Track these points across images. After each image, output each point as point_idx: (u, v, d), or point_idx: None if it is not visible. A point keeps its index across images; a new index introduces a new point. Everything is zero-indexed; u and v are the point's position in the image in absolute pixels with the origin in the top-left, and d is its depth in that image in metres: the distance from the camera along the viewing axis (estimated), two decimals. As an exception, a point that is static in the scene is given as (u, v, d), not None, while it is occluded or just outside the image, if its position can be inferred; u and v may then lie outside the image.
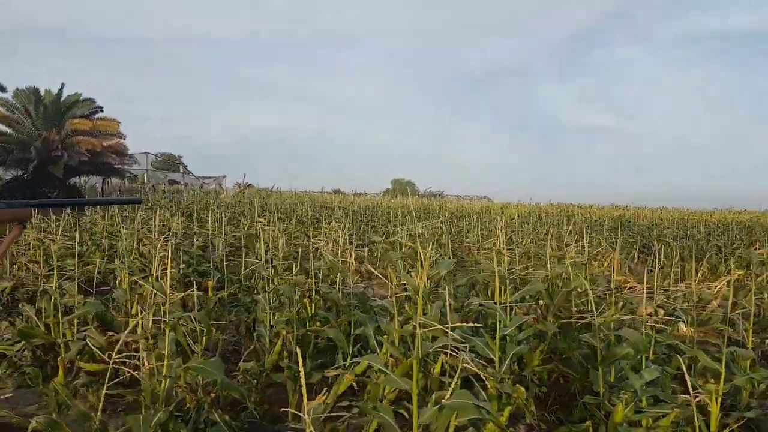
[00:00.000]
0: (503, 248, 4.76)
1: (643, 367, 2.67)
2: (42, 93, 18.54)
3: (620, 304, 5.02)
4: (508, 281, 3.48)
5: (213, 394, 3.27)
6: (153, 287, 2.82)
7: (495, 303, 3.33)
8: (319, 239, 8.82)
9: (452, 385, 1.88)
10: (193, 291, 3.14)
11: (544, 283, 3.58)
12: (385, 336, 3.51)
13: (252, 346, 4.07)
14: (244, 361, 3.68)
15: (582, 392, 3.22)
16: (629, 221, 17.02)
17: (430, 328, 2.22)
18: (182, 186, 32.72)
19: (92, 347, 3.02)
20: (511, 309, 3.29)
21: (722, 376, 2.77)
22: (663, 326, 3.15)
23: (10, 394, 3.81)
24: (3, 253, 1.41)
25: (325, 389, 3.60)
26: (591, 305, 3.18)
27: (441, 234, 9.29)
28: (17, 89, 18.35)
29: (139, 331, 3.44)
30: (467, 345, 2.58)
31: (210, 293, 4.96)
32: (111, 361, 2.23)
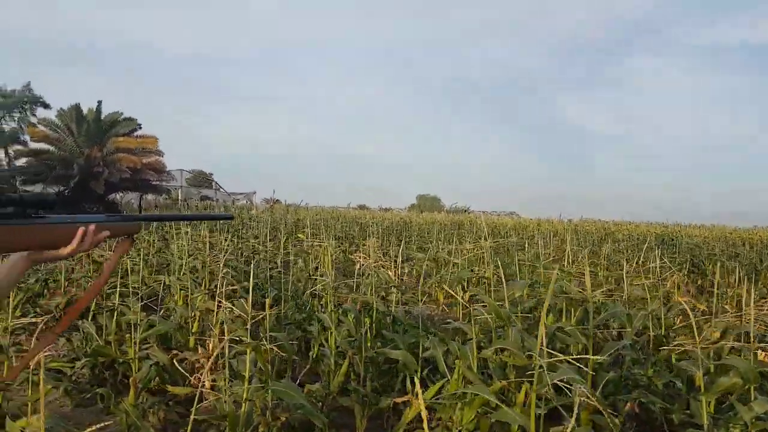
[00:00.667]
0: (583, 269, 4.59)
1: (752, 398, 2.47)
2: (84, 111, 19.02)
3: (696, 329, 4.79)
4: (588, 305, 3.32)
5: (283, 418, 3.17)
6: (234, 306, 2.73)
7: (574, 327, 3.17)
8: (359, 255, 8.74)
9: (572, 421, 1.73)
10: (267, 311, 3.04)
11: (624, 307, 3.41)
12: (457, 360, 3.37)
13: (308, 366, 3.96)
14: (303, 382, 3.58)
15: (668, 423, 3.03)
16: (672, 239, 16.55)
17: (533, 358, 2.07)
18: (215, 202, 33.15)
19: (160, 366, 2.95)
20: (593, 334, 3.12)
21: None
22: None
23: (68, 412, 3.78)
24: (113, 267, 1.32)
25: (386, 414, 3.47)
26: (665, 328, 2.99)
27: (482, 251, 9.11)
28: (61, 109, 18.88)
29: (211, 350, 3.37)
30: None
31: (267, 310, 4.89)
32: (200, 385, 2.14)
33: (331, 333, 3.55)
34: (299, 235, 11.42)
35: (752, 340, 2.65)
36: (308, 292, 4.23)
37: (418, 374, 3.47)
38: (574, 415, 1.82)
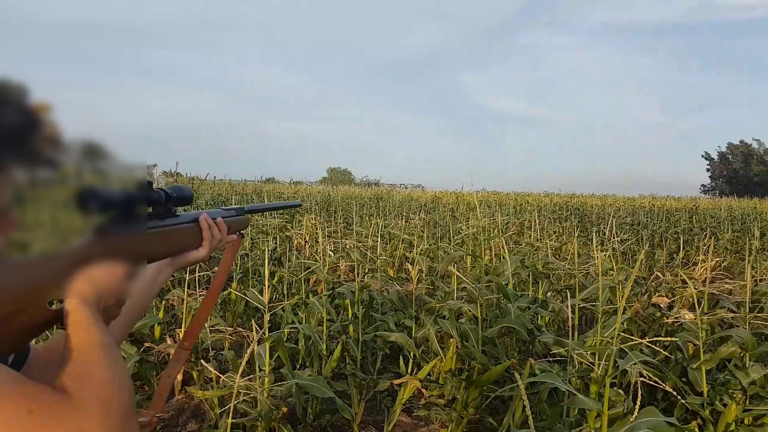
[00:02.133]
0: (545, 242, 4.74)
1: (747, 365, 2.69)
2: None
3: (646, 294, 5.14)
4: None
5: (285, 408, 3.03)
6: (246, 296, 2.54)
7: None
8: (296, 233, 8.51)
9: (638, 402, 1.79)
10: (288, 302, 2.86)
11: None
12: (451, 339, 3.38)
13: (300, 353, 3.82)
14: (300, 369, 3.45)
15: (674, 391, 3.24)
16: (577, 209, 17.67)
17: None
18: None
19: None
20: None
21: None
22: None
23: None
24: (229, 267, 1.17)
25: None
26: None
27: (423, 226, 9.20)
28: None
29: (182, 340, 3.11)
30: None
31: (233, 296, 4.64)
32: (236, 385, 1.97)
33: (323, 318, 3.43)
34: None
35: (747, 309, 2.88)
36: (302, 276, 4.04)
37: (412, 355, 3.46)
38: (639, 395, 1.88)
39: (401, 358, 3.52)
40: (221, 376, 2.11)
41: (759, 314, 3.25)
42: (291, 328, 3.46)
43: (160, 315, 3.95)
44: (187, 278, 3.88)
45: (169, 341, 3.80)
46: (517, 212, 14.40)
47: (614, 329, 2.78)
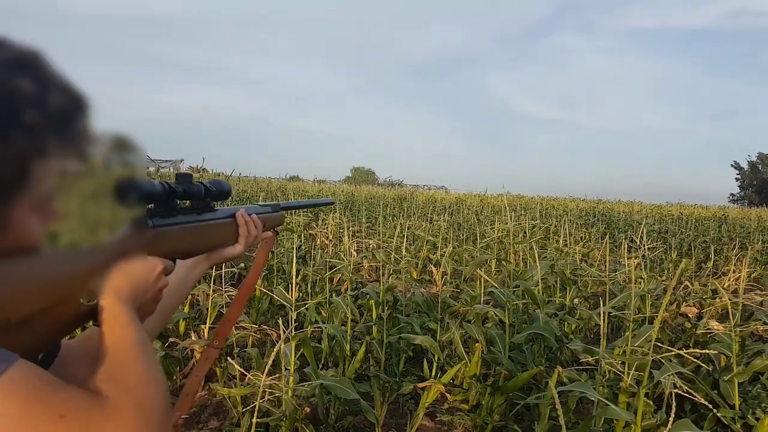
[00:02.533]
0: (575, 248, 4.66)
1: (784, 380, 2.59)
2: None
3: (674, 303, 5.02)
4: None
5: (308, 409, 3.02)
6: (273, 293, 2.53)
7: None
8: (319, 233, 8.52)
9: (672, 414, 1.73)
10: (312, 301, 2.85)
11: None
12: (477, 344, 3.34)
13: (323, 353, 3.82)
14: (322, 369, 3.44)
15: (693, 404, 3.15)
16: (604, 215, 17.39)
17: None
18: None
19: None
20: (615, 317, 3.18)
21: None
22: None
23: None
24: (262, 265, 1.15)
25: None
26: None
27: (445, 229, 9.15)
28: None
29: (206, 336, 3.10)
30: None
31: (258, 293, 4.66)
32: (262, 383, 1.96)
33: (347, 318, 3.41)
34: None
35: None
36: (326, 275, 4.04)
37: (436, 359, 3.43)
38: (673, 406, 1.82)
39: (425, 361, 3.49)
40: (246, 373, 2.10)
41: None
42: (315, 327, 3.45)
43: (186, 310, 3.98)
44: (213, 274, 3.89)
45: (193, 337, 3.83)
46: (542, 216, 14.24)
47: (649, 339, 2.71)
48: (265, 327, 3.20)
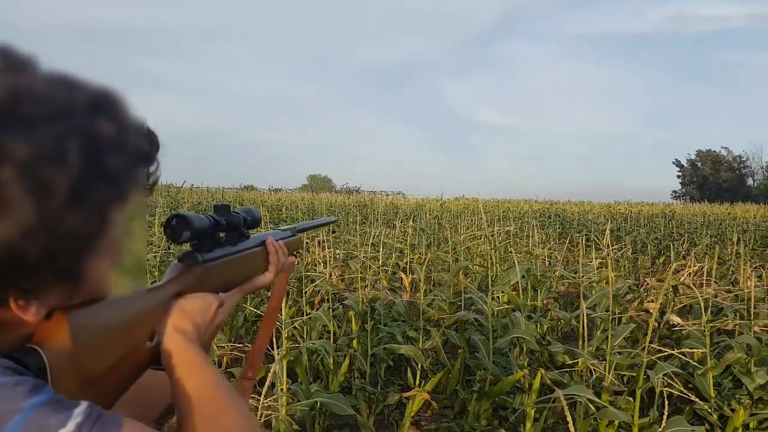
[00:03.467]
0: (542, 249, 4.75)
1: (753, 370, 2.74)
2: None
3: (636, 301, 5.21)
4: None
5: (296, 426, 2.99)
6: (260, 310, 2.49)
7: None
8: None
9: (665, 412, 1.81)
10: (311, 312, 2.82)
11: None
12: (459, 350, 3.38)
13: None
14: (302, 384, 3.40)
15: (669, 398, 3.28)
16: (558, 216, 17.88)
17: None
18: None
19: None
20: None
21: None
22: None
23: None
24: (284, 290, 1.14)
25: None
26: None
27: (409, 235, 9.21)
28: None
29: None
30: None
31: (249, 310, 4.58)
32: (260, 405, 1.93)
33: (330, 330, 3.40)
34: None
35: (752, 316, 2.93)
36: (306, 289, 3.99)
37: (419, 367, 3.44)
38: (666, 405, 1.90)
39: (408, 370, 3.50)
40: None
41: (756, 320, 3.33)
42: (294, 344, 3.42)
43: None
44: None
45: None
46: (500, 220, 14.50)
47: (626, 337, 2.82)
48: (248, 344, 3.14)
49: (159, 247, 5.17)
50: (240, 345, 2.94)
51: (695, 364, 2.85)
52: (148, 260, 4.83)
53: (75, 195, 0.52)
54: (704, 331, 2.80)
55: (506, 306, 3.45)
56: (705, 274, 5.26)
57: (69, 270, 0.55)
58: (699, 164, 66.46)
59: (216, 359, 3.25)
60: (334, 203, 18.62)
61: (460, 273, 3.74)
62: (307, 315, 3.51)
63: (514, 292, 3.37)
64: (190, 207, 15.11)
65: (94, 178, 0.54)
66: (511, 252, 6.36)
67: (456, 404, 3.34)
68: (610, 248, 5.36)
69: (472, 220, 12.06)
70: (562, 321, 4.56)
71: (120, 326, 0.63)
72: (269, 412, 2.05)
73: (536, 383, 2.94)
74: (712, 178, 63.94)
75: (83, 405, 0.52)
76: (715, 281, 5.12)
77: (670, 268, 2.32)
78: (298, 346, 2.92)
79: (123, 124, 0.58)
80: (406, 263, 7.32)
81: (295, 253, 1.22)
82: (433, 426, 3.31)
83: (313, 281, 4.08)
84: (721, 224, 14.62)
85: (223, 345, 3.50)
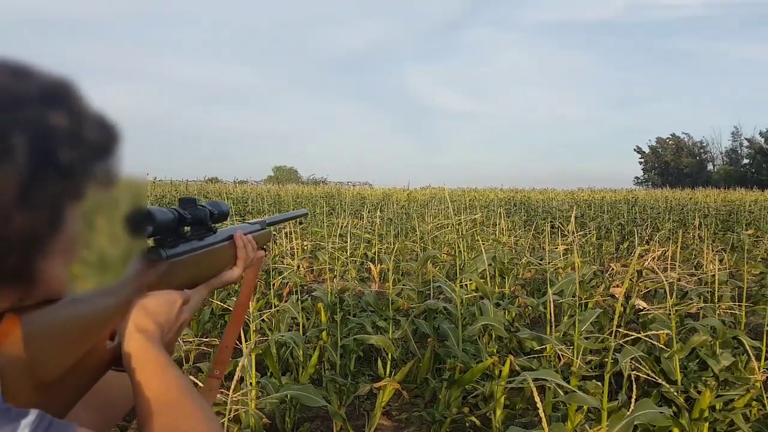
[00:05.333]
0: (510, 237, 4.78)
1: (718, 352, 2.80)
2: None
3: (601, 286, 5.30)
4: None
5: (266, 420, 2.94)
6: (230, 305, 2.42)
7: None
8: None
9: (634, 395, 1.82)
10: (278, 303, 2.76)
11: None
12: (429, 339, 3.37)
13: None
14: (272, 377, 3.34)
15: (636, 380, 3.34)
16: (523, 203, 18.14)
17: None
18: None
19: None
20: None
21: (764, 353, 3.01)
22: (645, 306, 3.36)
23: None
24: (253, 286, 1.10)
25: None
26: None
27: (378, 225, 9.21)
28: None
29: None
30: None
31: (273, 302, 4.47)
32: (229, 400, 1.87)
33: (301, 324, 3.34)
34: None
35: (715, 299, 2.99)
36: (275, 281, 3.91)
37: (390, 357, 3.43)
38: (635, 389, 1.91)
39: (378, 360, 3.48)
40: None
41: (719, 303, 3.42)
42: (262, 337, 3.35)
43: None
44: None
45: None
46: (466, 208, 14.61)
47: (593, 323, 2.84)
48: (215, 339, 3.07)
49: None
50: (207, 340, 2.86)
51: (662, 347, 2.89)
52: (113, 256, 4.68)
53: (24, 193, 0.49)
54: (670, 314, 2.85)
55: (474, 294, 3.45)
56: (669, 258, 5.39)
57: (20, 272, 0.53)
58: (660, 150, 68.31)
59: (182, 355, 3.17)
60: (301, 195, 18.46)
61: (428, 262, 3.73)
62: (275, 308, 3.44)
63: (482, 280, 3.37)
64: (153, 200, 14.78)
65: (46, 174, 0.51)
66: (478, 240, 6.40)
67: (426, 393, 3.33)
68: (575, 235, 5.43)
69: (439, 209, 12.12)
70: (530, 307, 4.60)
71: (77, 327, 0.59)
72: (238, 407, 2.00)
73: (506, 370, 2.95)
74: (673, 163, 65.84)
75: (32, 415, 0.48)
76: (678, 265, 5.25)
77: (635, 253, 2.33)
78: (266, 339, 2.86)
79: (78, 116, 0.54)
80: (375, 253, 7.31)
81: (264, 246, 1.17)
82: (404, 415, 3.30)
83: (281, 273, 4.00)
84: (683, 209, 15.05)
85: (189, 340, 3.41)
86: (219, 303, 3.56)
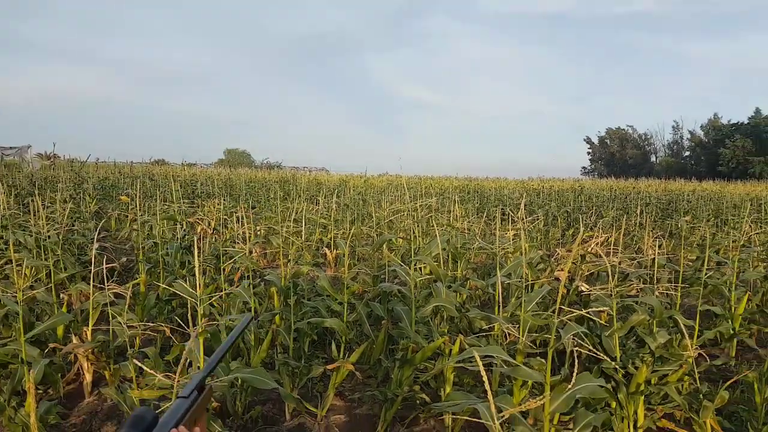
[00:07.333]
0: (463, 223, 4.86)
1: (655, 331, 2.95)
2: None
3: (547, 270, 5.46)
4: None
5: (216, 404, 2.92)
6: (173, 287, 2.38)
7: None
8: (197, 219, 8.18)
9: (575, 370, 1.90)
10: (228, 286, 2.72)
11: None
12: (383, 321, 3.41)
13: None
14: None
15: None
16: (476, 191, 18.45)
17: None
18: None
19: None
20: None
21: (696, 332, 3.19)
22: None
23: None
24: None
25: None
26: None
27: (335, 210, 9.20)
28: None
29: (90, 337, 2.82)
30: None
31: (143, 288, 4.37)
32: (175, 383, 1.84)
33: (253, 308, 3.31)
34: (122, 198, 10.23)
35: (654, 281, 3.14)
36: (225, 266, 3.83)
37: (344, 339, 3.45)
38: (576, 365, 2.00)
39: (333, 342, 3.50)
40: (156, 374, 1.96)
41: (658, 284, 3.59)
42: (211, 321, 3.31)
43: (63, 309, 3.64)
44: (93, 270, 3.57)
45: (75, 340, 3.51)
46: (422, 195, 14.74)
47: (539, 303, 2.94)
48: (162, 325, 3.01)
49: (61, 223, 4.83)
50: (152, 325, 2.81)
51: (603, 323, 3.02)
52: (48, 237, 4.50)
53: None
54: (611, 295, 2.98)
55: (428, 277, 3.50)
56: (611, 243, 5.61)
57: None
58: (608, 141, 70.56)
59: (126, 340, 3.09)
60: (254, 179, 18.16)
61: (384, 246, 3.76)
62: (225, 291, 3.40)
63: (435, 264, 3.43)
64: (96, 182, 14.21)
65: None
66: (433, 226, 6.49)
67: (379, 373, 3.38)
68: (524, 221, 5.58)
69: (395, 196, 12.18)
70: (480, 290, 4.71)
71: None
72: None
73: (455, 348, 3.02)
74: (618, 154, 68.16)
75: None
76: (620, 250, 5.47)
77: (578, 238, 2.43)
78: (216, 324, 2.83)
79: None
80: (331, 239, 7.30)
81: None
82: (357, 395, 3.34)
83: (231, 258, 3.95)
84: (626, 198, 15.64)
85: (134, 325, 3.34)
86: (165, 287, 3.48)
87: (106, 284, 3.50)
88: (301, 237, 4.60)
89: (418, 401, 3.17)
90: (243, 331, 1.12)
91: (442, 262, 3.56)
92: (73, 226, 6.17)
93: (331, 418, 3.18)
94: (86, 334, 3.51)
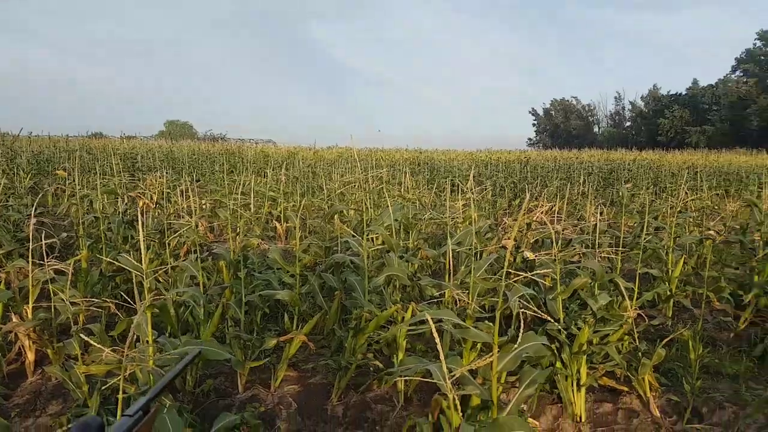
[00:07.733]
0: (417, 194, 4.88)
1: (596, 293, 3.09)
2: None
3: (495, 238, 5.60)
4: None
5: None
6: (119, 261, 2.30)
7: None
8: (140, 192, 7.94)
9: (521, 330, 1.98)
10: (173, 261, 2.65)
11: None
12: (337, 292, 3.42)
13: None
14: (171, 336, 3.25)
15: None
16: (427, 163, 18.59)
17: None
18: None
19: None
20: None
21: (635, 294, 3.36)
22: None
23: None
24: None
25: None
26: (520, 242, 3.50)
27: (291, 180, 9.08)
28: None
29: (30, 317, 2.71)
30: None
31: (84, 264, 4.22)
32: (125, 355, 1.79)
33: (201, 282, 3.25)
34: (58, 172, 9.76)
35: (596, 246, 3.27)
36: (170, 240, 3.71)
37: (297, 311, 3.44)
38: (522, 325, 2.07)
39: (285, 315, 3.49)
40: (106, 350, 1.90)
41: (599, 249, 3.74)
42: (158, 296, 3.23)
43: (2, 287, 3.47)
44: (32, 246, 3.41)
45: (15, 319, 3.36)
46: (373, 168, 14.73)
47: (487, 269, 3.02)
48: (107, 300, 2.91)
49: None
50: (96, 301, 2.71)
51: (548, 285, 3.13)
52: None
53: None
54: (555, 260, 3.09)
55: (381, 247, 3.52)
56: (556, 212, 5.80)
57: None
58: (553, 113, 72.17)
59: (70, 317, 2.99)
60: (197, 151, 17.64)
61: (336, 218, 3.75)
62: (170, 266, 3.32)
63: (388, 234, 3.45)
64: (30, 156, 13.48)
65: None
66: (384, 197, 6.51)
67: (333, 343, 3.40)
68: (473, 192, 5.68)
69: (346, 168, 12.12)
70: (431, 259, 4.79)
71: None
72: (135, 364, 1.93)
73: (407, 315, 3.07)
74: (563, 126, 69.92)
75: None
76: (564, 218, 5.66)
77: (524, 207, 2.50)
78: (163, 297, 2.76)
79: None
80: (281, 212, 7.21)
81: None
82: (310, 365, 3.36)
83: (176, 232, 3.85)
84: (569, 168, 16.11)
85: (77, 301, 3.23)
86: (109, 261, 3.37)
87: (45, 261, 3.35)
88: (250, 210, 4.52)
89: (372, 368, 3.22)
90: (190, 363, 1.14)
91: (394, 232, 3.59)
92: (8, 201, 5.86)
93: (285, 389, 3.19)
94: (27, 312, 3.37)
